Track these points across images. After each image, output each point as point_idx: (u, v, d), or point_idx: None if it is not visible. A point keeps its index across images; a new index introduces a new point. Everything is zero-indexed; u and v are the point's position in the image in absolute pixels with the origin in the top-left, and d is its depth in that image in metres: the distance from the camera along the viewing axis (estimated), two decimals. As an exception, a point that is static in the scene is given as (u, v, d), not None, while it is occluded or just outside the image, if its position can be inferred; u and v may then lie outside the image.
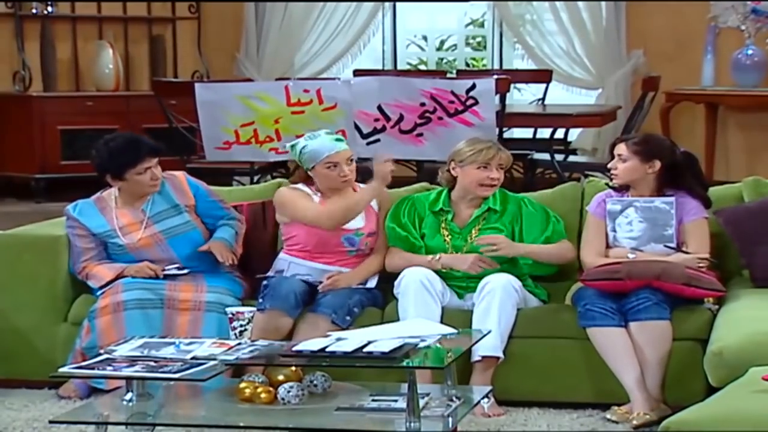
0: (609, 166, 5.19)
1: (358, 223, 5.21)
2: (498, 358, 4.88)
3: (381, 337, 4.12)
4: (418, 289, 4.94)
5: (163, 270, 5.19)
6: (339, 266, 5.20)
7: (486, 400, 4.70)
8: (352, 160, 5.27)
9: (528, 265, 5.14)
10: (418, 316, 4.84)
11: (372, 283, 5.23)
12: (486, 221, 5.16)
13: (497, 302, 4.89)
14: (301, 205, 5.21)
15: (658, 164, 5.09)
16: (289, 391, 4.13)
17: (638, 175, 5.10)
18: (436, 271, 5.08)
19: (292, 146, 5.28)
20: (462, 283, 5.11)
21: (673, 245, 5.03)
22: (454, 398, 4.18)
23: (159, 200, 5.31)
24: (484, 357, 4.85)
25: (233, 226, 5.36)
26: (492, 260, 5.06)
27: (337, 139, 5.27)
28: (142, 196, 5.30)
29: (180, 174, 5.44)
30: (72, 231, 5.29)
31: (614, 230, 5.11)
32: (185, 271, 5.22)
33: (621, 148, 5.12)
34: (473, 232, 5.16)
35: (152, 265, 5.19)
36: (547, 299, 5.16)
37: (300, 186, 5.30)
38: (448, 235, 5.16)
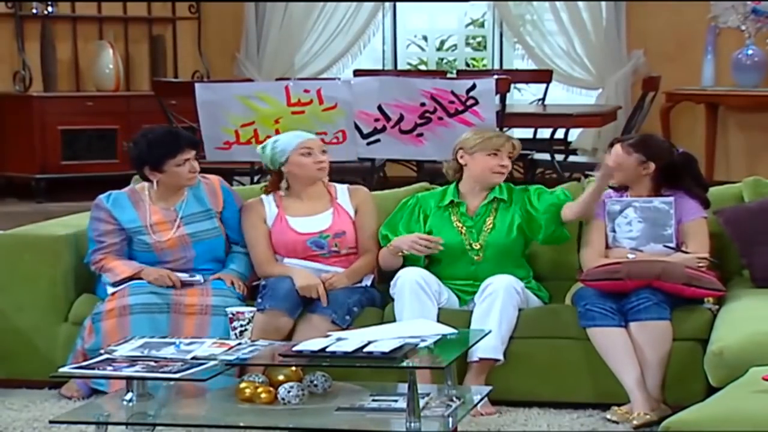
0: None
1: (322, 224, 5.21)
2: (497, 360, 4.87)
3: (381, 337, 4.13)
4: (414, 289, 4.94)
5: (182, 281, 5.17)
6: (335, 266, 5.20)
7: (482, 404, 4.70)
8: (324, 152, 5.27)
9: (548, 220, 5.08)
10: (414, 316, 4.84)
11: (368, 281, 5.24)
12: (498, 212, 5.16)
13: (499, 304, 4.88)
14: (250, 239, 5.26)
15: (652, 166, 5.09)
16: (289, 391, 4.13)
17: (633, 176, 5.10)
18: (434, 273, 5.08)
19: (263, 147, 5.29)
20: (467, 287, 5.10)
21: (672, 245, 5.04)
22: (453, 398, 4.18)
23: (192, 202, 5.29)
24: (481, 359, 4.85)
25: (247, 255, 5.30)
26: (438, 237, 5.06)
27: (311, 133, 5.39)
28: (179, 190, 5.26)
29: (215, 179, 5.40)
30: (98, 223, 5.24)
31: (614, 230, 5.11)
32: (198, 278, 5.19)
33: (617, 149, 5.12)
34: (488, 222, 5.15)
35: (173, 275, 5.14)
36: (549, 301, 5.16)
37: (265, 200, 5.29)
38: (462, 227, 5.16)
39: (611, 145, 5.20)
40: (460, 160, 5.21)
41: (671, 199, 5.07)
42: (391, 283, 5.05)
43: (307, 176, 5.24)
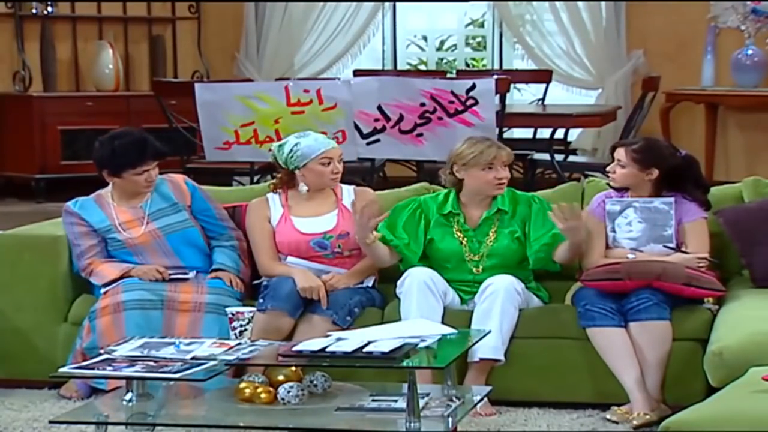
0: (607, 169, 5.18)
1: (326, 225, 5.21)
2: (497, 360, 4.87)
3: (381, 337, 4.12)
4: (422, 289, 4.93)
5: (170, 275, 5.19)
6: (337, 267, 5.20)
7: (481, 404, 4.70)
8: (341, 159, 5.27)
9: (539, 258, 5.07)
10: (420, 316, 4.83)
11: (369, 282, 5.24)
12: (500, 222, 5.12)
13: (499, 304, 4.87)
14: (254, 238, 5.27)
15: (656, 172, 5.07)
16: (289, 392, 4.13)
17: (635, 181, 5.09)
18: (441, 273, 5.08)
19: (280, 146, 5.28)
20: (467, 287, 5.09)
21: (672, 245, 5.03)
22: (453, 398, 4.18)
23: (157, 199, 5.31)
24: (482, 359, 4.85)
25: (234, 248, 5.33)
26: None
27: (328, 138, 5.34)
28: (135, 196, 5.30)
29: (178, 176, 5.45)
30: (72, 227, 5.28)
31: (614, 231, 5.11)
32: (191, 275, 5.21)
33: (620, 153, 5.10)
34: (490, 234, 5.12)
35: (161, 268, 5.17)
36: (549, 300, 5.15)
37: (270, 199, 5.30)
38: (463, 238, 5.14)
39: (613, 148, 5.18)
40: (457, 174, 5.14)
41: (671, 199, 5.07)
42: (398, 282, 5.04)
43: (321, 183, 5.24)
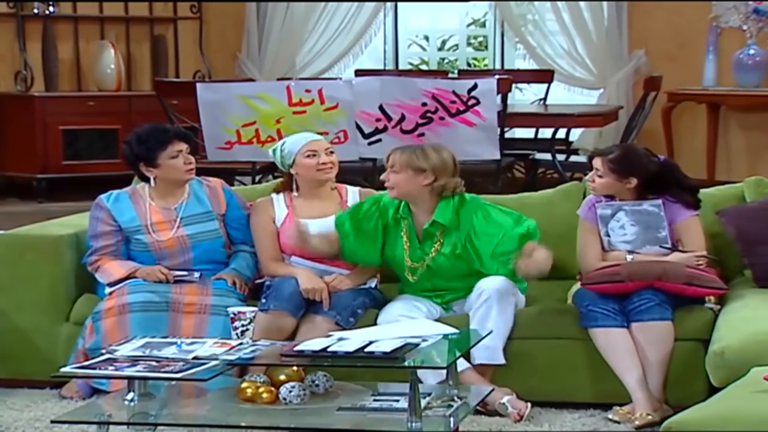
0: (586, 178, 5.15)
1: (330, 227, 5.19)
2: (499, 365, 4.86)
3: (383, 337, 4.13)
4: (401, 317, 4.90)
5: (175, 276, 5.18)
6: (338, 268, 5.19)
7: (508, 398, 4.72)
8: (331, 152, 5.27)
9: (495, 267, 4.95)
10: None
11: (372, 284, 5.24)
12: (444, 234, 5.00)
13: (494, 309, 4.84)
14: (258, 238, 5.26)
15: (634, 181, 5.03)
16: (290, 391, 4.13)
17: (615, 189, 5.06)
18: (415, 290, 5.08)
19: (273, 149, 5.31)
20: (436, 298, 5.06)
21: (668, 245, 5.02)
22: (455, 398, 4.18)
23: (193, 202, 5.30)
24: (481, 364, 4.83)
25: (255, 256, 5.31)
26: None
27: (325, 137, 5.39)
28: (179, 187, 5.28)
29: (217, 181, 5.43)
30: (96, 222, 5.25)
31: (608, 234, 5.08)
32: (196, 275, 5.20)
33: (597, 163, 5.05)
34: (433, 250, 5.02)
35: (165, 269, 5.16)
36: (526, 290, 5.06)
37: (275, 199, 5.30)
38: (407, 243, 5.07)
39: (590, 158, 5.13)
40: None
41: (659, 201, 5.02)
42: (378, 320, 4.96)
43: (311, 178, 5.24)
